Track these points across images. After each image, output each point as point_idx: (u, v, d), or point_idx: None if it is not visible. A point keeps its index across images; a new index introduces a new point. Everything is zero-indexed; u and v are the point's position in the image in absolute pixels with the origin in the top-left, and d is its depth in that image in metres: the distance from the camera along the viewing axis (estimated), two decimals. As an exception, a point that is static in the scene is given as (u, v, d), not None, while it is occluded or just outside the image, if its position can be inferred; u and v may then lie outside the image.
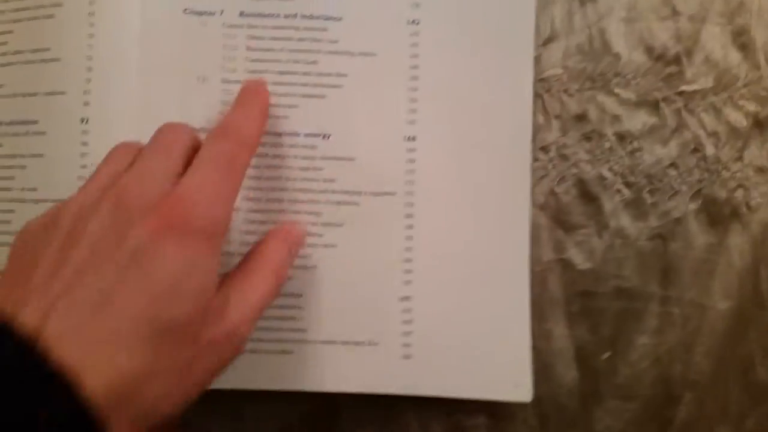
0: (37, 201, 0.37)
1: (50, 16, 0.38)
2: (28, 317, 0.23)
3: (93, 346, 0.23)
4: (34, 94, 0.38)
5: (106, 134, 0.37)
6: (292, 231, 0.34)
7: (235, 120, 0.32)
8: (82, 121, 0.37)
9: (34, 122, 0.38)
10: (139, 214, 0.26)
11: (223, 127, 0.31)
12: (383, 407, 0.38)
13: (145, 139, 0.32)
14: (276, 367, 0.37)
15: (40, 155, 0.38)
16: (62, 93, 0.37)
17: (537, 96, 0.38)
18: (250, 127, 0.32)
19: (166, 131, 0.31)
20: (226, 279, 0.29)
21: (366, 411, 0.38)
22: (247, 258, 0.31)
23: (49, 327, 0.23)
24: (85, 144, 0.37)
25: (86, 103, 0.37)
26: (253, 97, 0.34)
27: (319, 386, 0.36)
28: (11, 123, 0.38)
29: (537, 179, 0.38)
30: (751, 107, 0.39)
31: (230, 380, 0.34)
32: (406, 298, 0.37)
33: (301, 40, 0.37)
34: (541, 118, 0.39)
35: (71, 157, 0.37)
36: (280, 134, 0.37)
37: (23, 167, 0.38)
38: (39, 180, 0.37)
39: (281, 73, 0.37)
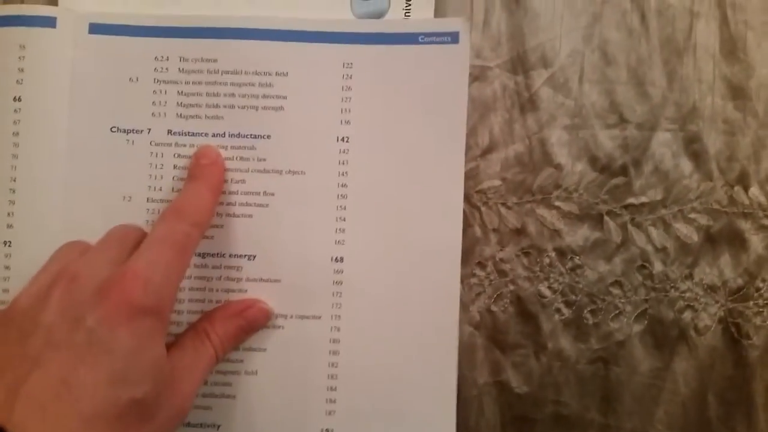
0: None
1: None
2: None
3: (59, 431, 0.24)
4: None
5: (28, 256, 0.36)
6: (250, 309, 0.34)
7: (187, 199, 0.32)
8: (5, 244, 0.36)
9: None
10: (90, 297, 0.26)
11: (176, 207, 0.31)
12: None
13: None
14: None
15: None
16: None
17: (474, 208, 0.37)
18: (202, 206, 0.32)
19: (116, 228, 0.32)
20: (173, 350, 0.30)
21: None
22: (194, 329, 0.32)
23: (15, 416, 0.23)
24: (7, 268, 0.36)
25: (9, 226, 0.36)
26: (206, 171, 0.34)
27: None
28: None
29: (473, 296, 0.37)
30: (703, 221, 0.36)
31: None
32: (328, 431, 0.36)
33: (228, 159, 0.36)
34: (478, 231, 0.37)
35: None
36: (204, 255, 0.36)
37: None
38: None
39: None
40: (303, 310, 0.36)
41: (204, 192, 0.33)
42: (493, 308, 0.37)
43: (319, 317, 0.36)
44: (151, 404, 0.27)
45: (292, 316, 0.36)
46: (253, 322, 0.34)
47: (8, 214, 0.36)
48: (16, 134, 0.36)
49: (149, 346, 0.27)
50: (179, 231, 0.30)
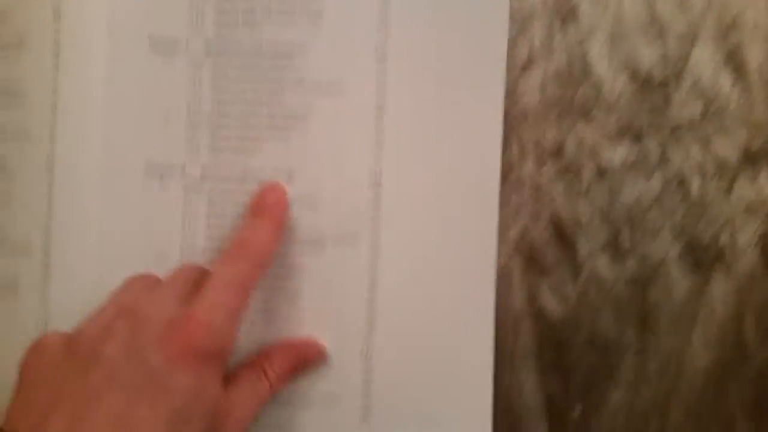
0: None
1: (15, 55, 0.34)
2: None
3: None
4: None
5: (71, 177, 0.33)
6: (309, 349, 0.34)
7: (250, 237, 0.32)
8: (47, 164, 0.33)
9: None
10: (154, 337, 0.27)
11: (238, 246, 0.31)
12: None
13: (109, 179, 0.33)
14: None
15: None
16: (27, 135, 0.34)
17: (512, 127, 0.34)
18: (265, 245, 0.31)
19: (182, 268, 0.32)
20: (230, 384, 0.30)
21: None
22: (253, 366, 0.32)
23: None
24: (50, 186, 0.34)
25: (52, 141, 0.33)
26: (272, 209, 0.33)
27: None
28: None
29: (510, 219, 0.35)
30: (743, 138, 0.35)
31: None
32: (366, 353, 0.34)
33: (267, 71, 0.33)
34: (515, 151, 0.35)
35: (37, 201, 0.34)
36: (243, 172, 0.33)
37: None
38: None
39: (246, 108, 0.33)
40: (340, 234, 0.33)
41: (268, 230, 0.32)
42: (530, 229, 0.35)
43: (356, 241, 0.33)
44: None
45: (329, 240, 0.33)
46: (310, 362, 0.34)
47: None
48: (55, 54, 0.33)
49: (209, 387, 0.28)
50: (242, 271, 0.30)
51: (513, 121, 0.35)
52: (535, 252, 0.35)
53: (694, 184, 0.35)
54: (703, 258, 0.35)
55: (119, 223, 0.34)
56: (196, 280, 0.31)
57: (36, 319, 0.34)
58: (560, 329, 0.35)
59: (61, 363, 0.27)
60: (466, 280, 0.34)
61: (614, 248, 0.35)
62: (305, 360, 0.34)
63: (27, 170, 0.34)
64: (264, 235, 0.32)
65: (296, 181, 0.34)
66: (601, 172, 0.35)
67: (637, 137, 0.35)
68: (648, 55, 0.35)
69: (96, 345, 0.27)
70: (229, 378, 0.30)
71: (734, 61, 0.35)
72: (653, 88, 0.35)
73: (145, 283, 0.32)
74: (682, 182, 0.35)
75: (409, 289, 0.34)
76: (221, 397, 0.29)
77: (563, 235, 0.35)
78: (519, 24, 0.34)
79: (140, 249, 0.34)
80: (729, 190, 0.36)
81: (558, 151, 0.35)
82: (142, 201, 0.34)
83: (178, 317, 0.28)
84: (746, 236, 0.35)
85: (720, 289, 0.36)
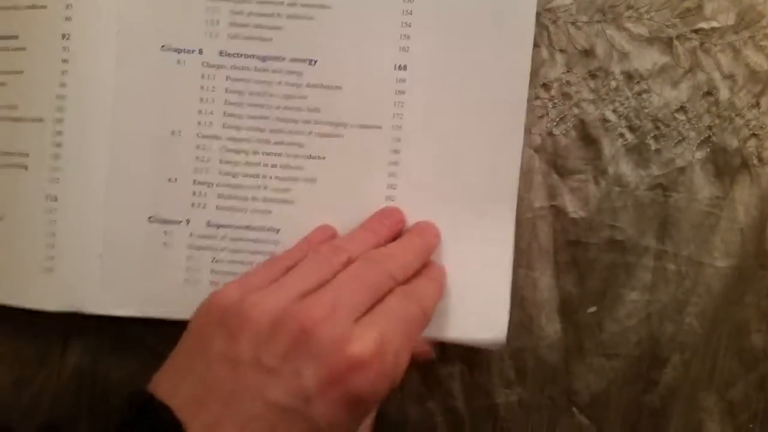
0: (16, 119, 0.36)
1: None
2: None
3: None
4: (15, 8, 0.35)
5: (86, 50, 0.35)
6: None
7: (422, 286, 0.31)
8: (63, 37, 0.35)
9: (15, 37, 0.36)
10: (317, 363, 0.25)
11: (413, 290, 0.30)
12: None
13: (125, 53, 0.33)
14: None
15: (20, 72, 0.36)
16: (43, 7, 0.35)
17: (543, 27, 0.35)
18: (433, 299, 0.31)
19: (370, 268, 0.30)
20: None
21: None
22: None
23: None
24: (65, 61, 0.35)
25: (68, 18, 0.35)
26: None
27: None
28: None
29: (535, 118, 0.36)
30: (775, 49, 0.35)
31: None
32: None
33: None
34: (545, 52, 0.36)
35: (51, 73, 0.35)
36: (264, 58, 0.35)
37: (3, 84, 0.36)
38: (18, 97, 0.36)
39: None
40: (363, 119, 0.35)
41: (436, 283, 0.32)
42: (555, 131, 0.36)
43: (380, 127, 0.35)
44: None
45: (352, 125, 0.35)
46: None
47: (65, 6, 0.35)
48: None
49: (357, 426, 0.27)
50: (413, 312, 0.29)
51: (544, 23, 0.35)
52: (558, 153, 0.36)
53: (723, 93, 0.36)
54: (728, 166, 0.36)
55: (134, 98, 0.35)
56: (381, 291, 0.29)
57: (45, 190, 0.35)
58: (579, 229, 0.36)
59: (220, 344, 0.26)
60: (490, 174, 0.35)
61: (639, 152, 0.36)
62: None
63: (42, 42, 0.35)
64: (434, 287, 0.32)
65: (319, 67, 0.35)
66: (630, 77, 0.36)
67: (668, 44, 0.36)
68: (683, -37, 0.35)
69: (258, 343, 0.26)
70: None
71: (771, -28, 0.35)
72: (687, -5, 0.35)
73: (325, 268, 0.29)
74: (710, 91, 0.36)
75: (431, 179, 0.35)
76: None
77: (588, 138, 0.36)
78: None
79: (155, 125, 0.35)
80: (757, 100, 0.36)
81: (587, 55, 0.36)
82: (159, 77, 0.35)
83: (350, 352, 0.25)
84: (773, 146, 0.36)
85: (743, 197, 0.36)
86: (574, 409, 0.36)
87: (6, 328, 0.38)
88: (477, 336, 0.34)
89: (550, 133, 0.36)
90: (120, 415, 0.25)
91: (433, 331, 0.34)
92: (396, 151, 0.35)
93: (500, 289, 0.35)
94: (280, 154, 0.35)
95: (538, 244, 0.36)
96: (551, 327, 0.36)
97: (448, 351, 0.36)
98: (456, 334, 0.34)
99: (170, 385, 0.26)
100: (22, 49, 0.35)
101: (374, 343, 0.26)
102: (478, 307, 0.35)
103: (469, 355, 0.36)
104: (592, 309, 0.36)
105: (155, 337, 0.37)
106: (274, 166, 0.35)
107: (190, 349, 0.27)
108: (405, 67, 0.35)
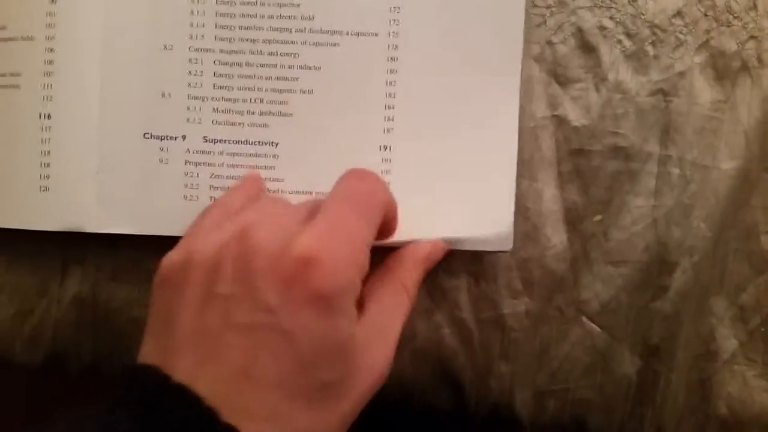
0: (6, 40, 0.35)
1: None
2: (179, 378, 0.23)
3: (244, 414, 0.23)
4: None
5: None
6: (436, 251, 0.33)
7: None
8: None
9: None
10: (271, 278, 0.24)
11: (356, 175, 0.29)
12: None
13: None
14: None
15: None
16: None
17: (536, -61, 0.35)
18: (375, 175, 0.30)
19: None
20: (370, 305, 0.28)
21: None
22: (393, 283, 0.30)
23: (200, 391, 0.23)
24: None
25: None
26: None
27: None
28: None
29: (533, 27, 0.35)
30: (770, -46, 0.35)
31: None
32: (385, 147, 0.34)
33: None
34: (538, -38, 0.35)
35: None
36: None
37: None
38: (7, 18, 0.35)
39: None
40: (359, 27, 0.34)
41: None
42: (554, 40, 0.36)
43: (376, 34, 0.34)
44: (346, 380, 0.25)
45: (348, 33, 0.34)
46: (435, 262, 0.33)
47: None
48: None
49: (339, 326, 0.24)
50: (359, 190, 0.28)
51: (538, -68, 0.35)
52: (558, 62, 0.36)
53: (720, -2, 0.36)
54: (728, 69, 0.36)
55: (125, 13, 0.34)
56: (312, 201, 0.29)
57: (38, 109, 0.34)
58: (582, 138, 0.36)
59: (179, 293, 0.26)
60: (490, 85, 0.34)
61: (638, 59, 0.36)
62: (433, 263, 0.33)
63: None
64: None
65: None
66: (626, -16, 0.36)
67: (663, -50, 0.36)
68: None
69: (209, 277, 0.25)
70: (363, 300, 0.28)
71: None
72: None
73: (253, 192, 0.30)
74: (707, -5, 0.36)
75: (429, 87, 0.34)
76: (352, 338, 0.25)
77: (587, 46, 0.36)
78: None
79: (146, 40, 0.35)
80: (754, 2, 0.36)
81: (583, -36, 0.36)
82: None
83: (294, 258, 0.24)
84: (772, 48, 0.35)
85: (744, 100, 0.36)
86: (584, 318, 0.36)
87: (3, 258, 0.37)
88: (481, 246, 0.34)
89: (549, 42, 0.36)
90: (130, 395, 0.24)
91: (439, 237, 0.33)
92: (393, 59, 0.34)
93: (504, 197, 0.34)
94: (274, 65, 0.34)
95: (541, 154, 0.36)
96: (557, 237, 0.36)
97: (453, 263, 0.35)
98: (462, 236, 0.34)
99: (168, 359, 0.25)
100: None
101: (316, 238, 0.25)
102: (482, 217, 0.34)
103: (475, 267, 0.36)
104: (598, 217, 0.36)
105: (154, 261, 0.36)
106: (269, 78, 0.34)
107: (160, 320, 0.27)
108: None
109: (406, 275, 0.30)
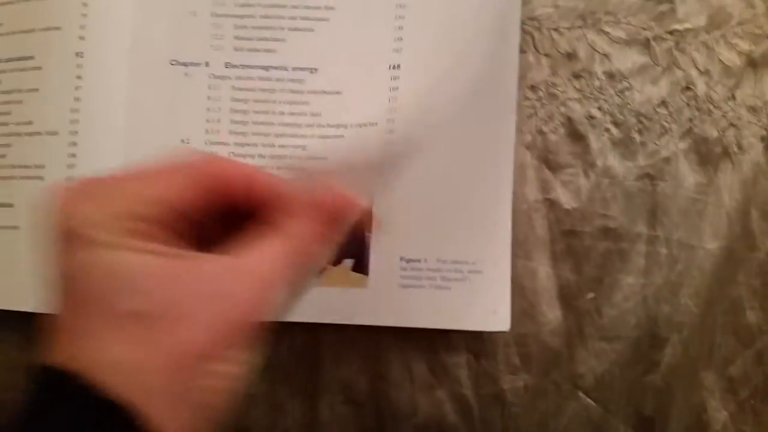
0: (32, 134, 0.38)
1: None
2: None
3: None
4: (31, 30, 0.38)
5: (100, 67, 0.38)
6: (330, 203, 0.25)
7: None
8: (77, 55, 0.38)
9: (31, 58, 0.38)
10: None
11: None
12: (364, 343, 0.38)
13: (136, 69, 0.35)
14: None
15: (36, 90, 0.38)
16: (58, 28, 0.38)
17: (527, 34, 0.38)
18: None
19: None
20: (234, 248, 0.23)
21: (349, 348, 0.38)
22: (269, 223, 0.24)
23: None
24: (79, 78, 0.38)
25: (81, 38, 0.38)
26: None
27: (297, 317, 0.36)
28: (9, 60, 0.39)
29: (525, 118, 0.38)
30: (745, 46, 0.38)
31: None
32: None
33: None
34: (530, 57, 0.38)
35: (66, 90, 0.38)
36: (267, 68, 0.37)
37: (19, 102, 0.38)
38: (34, 114, 0.38)
39: (270, 6, 0.37)
40: (361, 119, 0.37)
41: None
42: (544, 129, 0.38)
43: (376, 124, 0.37)
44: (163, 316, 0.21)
45: (351, 125, 0.37)
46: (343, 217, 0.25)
47: (79, 26, 0.37)
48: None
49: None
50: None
51: (528, 30, 0.38)
52: (549, 149, 0.38)
53: (700, 88, 0.38)
54: (710, 154, 0.38)
55: (145, 110, 0.37)
56: None
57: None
58: (573, 220, 0.38)
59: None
60: (484, 175, 0.37)
61: (625, 146, 0.38)
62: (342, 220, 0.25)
63: (57, 60, 0.38)
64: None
65: (319, 75, 0.37)
66: (612, 76, 0.38)
67: (645, 45, 0.38)
68: (654, -29, 0.39)
69: None
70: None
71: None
72: None
73: None
74: (688, 86, 0.38)
75: (426, 177, 0.37)
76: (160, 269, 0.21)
77: (576, 134, 0.38)
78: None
79: (165, 134, 0.37)
80: (732, 93, 0.38)
81: (571, 58, 0.38)
82: (168, 89, 0.37)
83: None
84: (750, 134, 0.38)
85: (726, 183, 0.38)
86: (580, 392, 0.37)
87: (15, 337, 0.39)
88: (481, 326, 0.36)
89: (540, 131, 0.38)
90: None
91: (443, 323, 0.36)
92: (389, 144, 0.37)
93: (501, 279, 0.36)
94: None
95: (535, 235, 0.38)
96: (552, 313, 0.38)
97: (454, 340, 0.37)
98: (460, 325, 0.36)
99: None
100: (38, 68, 0.38)
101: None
102: (480, 298, 0.36)
103: (475, 344, 0.37)
104: (591, 295, 0.38)
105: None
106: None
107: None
108: (398, 66, 0.37)
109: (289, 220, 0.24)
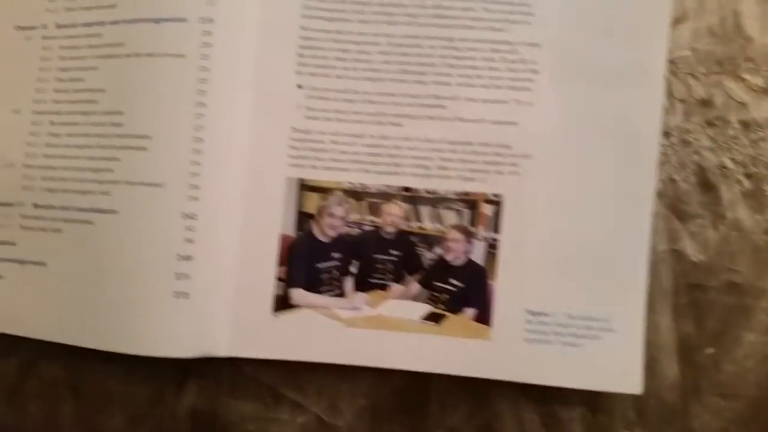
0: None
1: None
2: None
3: None
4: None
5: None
6: None
7: None
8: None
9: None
10: None
11: None
12: (473, 391, 0.36)
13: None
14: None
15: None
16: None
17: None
18: None
19: None
20: None
21: (456, 394, 0.37)
22: None
23: None
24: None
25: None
26: None
27: (410, 365, 0.35)
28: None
29: (657, 165, 0.36)
30: None
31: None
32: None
33: None
34: (665, 101, 0.37)
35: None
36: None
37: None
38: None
39: None
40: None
41: None
42: (676, 177, 0.37)
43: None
44: None
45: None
46: None
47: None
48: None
49: None
50: None
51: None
52: (679, 198, 0.37)
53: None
54: (840, 213, 0.37)
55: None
56: None
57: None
58: (699, 272, 0.37)
59: None
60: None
61: (755, 198, 0.37)
62: None
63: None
64: None
65: None
66: (747, 126, 0.37)
67: (783, 95, 0.37)
68: (797, 18, 0.37)
69: None
70: None
71: None
72: (800, 49, 0.37)
73: None
74: (823, 140, 0.37)
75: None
76: None
77: (707, 184, 0.37)
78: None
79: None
80: None
81: (706, 105, 0.37)
82: None
83: None
84: None
85: None
86: (696, 450, 0.37)
87: (119, 369, 0.37)
88: (610, 387, 0.35)
89: (671, 179, 0.37)
90: None
91: (570, 382, 0.35)
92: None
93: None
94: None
95: (660, 286, 0.37)
96: (670, 368, 0.37)
97: (570, 394, 0.36)
98: (588, 384, 0.35)
99: None
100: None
101: None
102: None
103: (590, 397, 0.36)
104: (710, 350, 0.37)
105: (273, 376, 0.37)
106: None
107: None
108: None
109: None
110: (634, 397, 0.37)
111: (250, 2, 0.35)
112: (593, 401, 0.37)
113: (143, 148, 0.34)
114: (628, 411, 0.37)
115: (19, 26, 0.37)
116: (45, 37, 0.37)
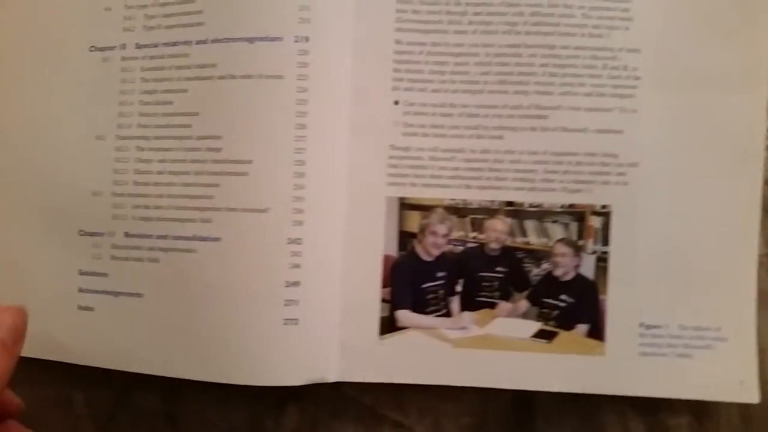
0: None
1: None
2: None
3: None
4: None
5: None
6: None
7: None
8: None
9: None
10: None
11: None
12: (579, 405, 0.36)
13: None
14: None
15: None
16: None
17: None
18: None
19: None
20: None
21: (562, 407, 0.36)
22: None
23: None
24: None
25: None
26: None
27: (521, 384, 0.35)
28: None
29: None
30: None
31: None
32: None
33: None
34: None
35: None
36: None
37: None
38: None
39: None
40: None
41: None
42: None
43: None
44: None
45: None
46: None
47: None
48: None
49: None
50: None
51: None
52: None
53: None
54: None
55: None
56: None
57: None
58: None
59: None
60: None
61: None
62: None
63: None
64: None
65: None
66: None
67: None
68: None
69: None
70: None
71: None
72: None
73: None
74: None
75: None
76: None
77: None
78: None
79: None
80: None
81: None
82: None
83: None
84: None
85: None
86: (802, 453, 0.37)
87: (214, 395, 0.36)
88: (728, 395, 0.34)
89: (765, 181, 0.36)
90: None
91: (684, 393, 0.34)
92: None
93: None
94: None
95: (761, 289, 0.36)
96: (774, 372, 0.36)
97: (677, 401, 0.36)
98: (706, 395, 0.34)
99: None
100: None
101: None
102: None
103: (697, 404, 0.36)
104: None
105: (373, 397, 0.36)
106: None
107: None
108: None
109: None
110: (739, 404, 0.36)
111: (343, 18, 0.34)
112: (700, 408, 0.36)
113: (244, 173, 0.33)
114: (733, 418, 0.37)
115: (94, 47, 0.36)
116: (124, 58, 0.35)
